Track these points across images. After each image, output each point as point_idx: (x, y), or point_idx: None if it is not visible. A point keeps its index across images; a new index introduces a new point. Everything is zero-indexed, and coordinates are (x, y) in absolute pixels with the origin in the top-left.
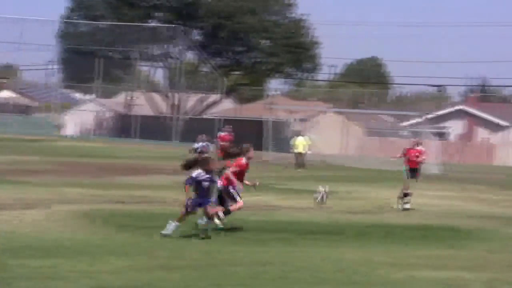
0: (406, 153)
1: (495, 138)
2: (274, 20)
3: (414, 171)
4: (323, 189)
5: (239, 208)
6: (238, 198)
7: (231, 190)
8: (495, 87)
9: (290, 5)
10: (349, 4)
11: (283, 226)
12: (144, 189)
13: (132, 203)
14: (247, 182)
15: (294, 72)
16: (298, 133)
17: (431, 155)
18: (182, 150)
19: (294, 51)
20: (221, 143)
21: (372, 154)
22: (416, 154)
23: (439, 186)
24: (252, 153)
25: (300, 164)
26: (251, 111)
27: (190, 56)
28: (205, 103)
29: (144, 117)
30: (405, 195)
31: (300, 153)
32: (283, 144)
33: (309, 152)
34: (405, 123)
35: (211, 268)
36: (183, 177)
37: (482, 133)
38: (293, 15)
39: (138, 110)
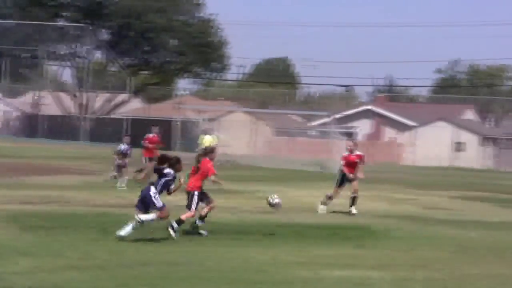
0: (347, 160)
1: (402, 137)
2: (182, 20)
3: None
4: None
5: (188, 217)
6: (193, 208)
7: (195, 197)
8: (402, 87)
9: (199, 5)
10: (258, 5)
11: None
12: (52, 189)
13: (39, 204)
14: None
15: (203, 72)
16: (205, 132)
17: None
18: (90, 150)
19: (203, 51)
20: (149, 145)
21: (281, 153)
22: (356, 160)
23: (346, 186)
24: (215, 154)
25: None
26: (160, 111)
27: (98, 55)
28: (113, 103)
29: (52, 117)
30: (330, 197)
31: None
32: (192, 143)
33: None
34: (314, 123)
35: (121, 268)
36: (91, 177)
37: (389, 133)
38: (202, 15)
39: (45, 109)
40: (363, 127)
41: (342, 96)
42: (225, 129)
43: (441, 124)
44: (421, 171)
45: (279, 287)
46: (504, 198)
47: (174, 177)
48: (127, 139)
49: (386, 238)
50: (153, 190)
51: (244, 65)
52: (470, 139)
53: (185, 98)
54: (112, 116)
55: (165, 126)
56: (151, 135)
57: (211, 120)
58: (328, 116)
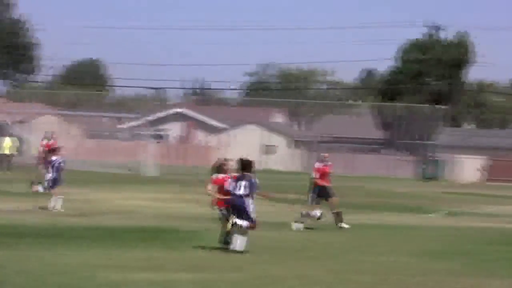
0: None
1: (213, 140)
2: None
3: (324, 189)
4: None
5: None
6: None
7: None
8: (212, 90)
9: (9, 5)
10: (66, 8)
11: (0, 230)
12: None
13: None
14: None
15: (12, 73)
16: (5, 134)
17: (150, 157)
18: None
19: (12, 52)
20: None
21: (92, 156)
22: (330, 171)
23: (156, 188)
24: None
25: (4, 167)
26: None
27: None
28: None
29: None
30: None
31: (6, 155)
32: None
33: (14, 153)
34: (125, 125)
35: None
36: None
37: (200, 135)
38: (13, 15)
39: None
40: (174, 130)
41: (153, 98)
42: (36, 132)
43: (251, 127)
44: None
45: None
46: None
47: None
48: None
49: (196, 240)
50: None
51: (53, 67)
52: (280, 142)
53: None
54: None
55: None
56: (50, 142)
57: (21, 122)
58: (139, 118)
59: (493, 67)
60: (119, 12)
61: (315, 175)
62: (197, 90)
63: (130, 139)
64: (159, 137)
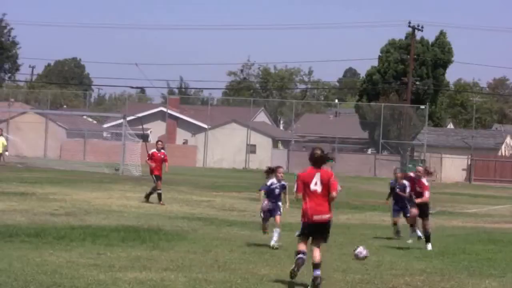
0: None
1: (195, 139)
2: None
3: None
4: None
5: None
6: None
7: None
8: (194, 89)
9: None
10: (51, 5)
11: None
12: None
13: None
14: None
15: None
16: None
17: (135, 158)
18: None
19: None
20: None
21: (74, 155)
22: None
23: (140, 188)
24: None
25: None
26: None
27: None
28: None
29: None
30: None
31: None
32: None
33: (6, 153)
34: (107, 125)
35: None
36: None
37: (183, 135)
38: None
39: None
40: (156, 129)
41: (136, 97)
42: (16, 131)
43: (234, 126)
44: (215, 173)
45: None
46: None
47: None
48: None
49: (182, 239)
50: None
51: (34, 66)
52: (262, 141)
53: None
54: None
55: None
56: None
57: (2, 121)
58: (121, 117)
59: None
60: (101, 11)
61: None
62: (180, 89)
63: (113, 139)
64: (144, 137)
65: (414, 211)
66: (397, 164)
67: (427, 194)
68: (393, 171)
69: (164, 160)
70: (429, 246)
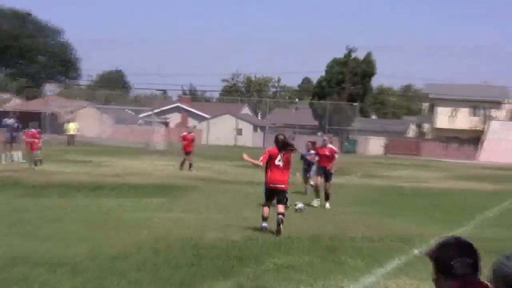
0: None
1: (201, 125)
2: (47, 41)
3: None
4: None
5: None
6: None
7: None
8: (200, 91)
9: (58, 31)
10: (114, 26)
11: (63, 184)
12: None
13: None
14: None
15: (63, 79)
16: (69, 120)
17: (160, 137)
18: None
19: (63, 64)
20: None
21: (119, 136)
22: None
23: (164, 158)
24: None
25: (70, 143)
26: (34, 106)
27: None
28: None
29: None
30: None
31: (71, 135)
32: (56, 128)
33: (77, 134)
34: (141, 115)
35: (8, 214)
36: None
37: (193, 122)
38: (61, 38)
39: None
40: (174, 118)
41: (160, 97)
42: (80, 120)
43: (227, 116)
44: (213, 148)
45: (125, 224)
46: None
47: None
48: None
49: (192, 192)
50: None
51: (91, 75)
52: (246, 127)
53: (51, 98)
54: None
55: (37, 117)
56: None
57: (71, 113)
58: (151, 110)
59: (390, 76)
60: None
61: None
62: (190, 91)
63: (145, 125)
64: (166, 124)
65: (319, 179)
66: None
67: (336, 156)
68: (305, 143)
69: (193, 140)
70: (327, 205)
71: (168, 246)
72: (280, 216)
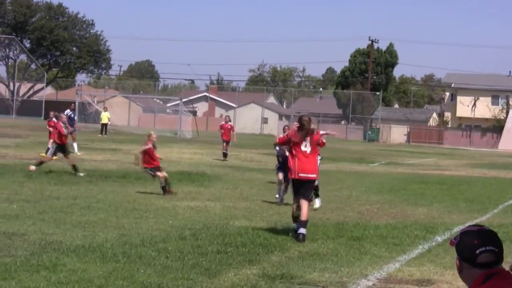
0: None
1: (228, 115)
2: (79, 34)
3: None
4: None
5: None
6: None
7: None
8: (227, 81)
9: (90, 24)
10: (140, 23)
11: (90, 173)
12: None
13: None
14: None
15: (94, 69)
16: (103, 110)
17: (187, 126)
18: (17, 122)
19: (94, 55)
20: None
21: (147, 124)
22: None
23: (191, 146)
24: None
25: (103, 131)
26: (66, 95)
27: (23, 57)
28: (33, 89)
29: None
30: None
31: (104, 124)
32: (88, 117)
33: (109, 123)
34: (169, 104)
35: (40, 200)
36: (19, 140)
37: (219, 111)
38: (94, 30)
39: None
40: (202, 107)
41: (188, 86)
42: (110, 108)
43: (253, 105)
44: (240, 137)
45: (149, 211)
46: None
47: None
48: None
49: (218, 180)
50: None
51: (121, 65)
52: (271, 116)
53: (83, 87)
54: (33, 98)
55: (69, 106)
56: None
57: (101, 102)
58: (179, 99)
59: (411, 67)
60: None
61: None
62: (218, 81)
63: (173, 114)
64: (194, 113)
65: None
66: (361, 132)
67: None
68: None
69: (231, 129)
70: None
71: (194, 233)
72: (302, 232)
